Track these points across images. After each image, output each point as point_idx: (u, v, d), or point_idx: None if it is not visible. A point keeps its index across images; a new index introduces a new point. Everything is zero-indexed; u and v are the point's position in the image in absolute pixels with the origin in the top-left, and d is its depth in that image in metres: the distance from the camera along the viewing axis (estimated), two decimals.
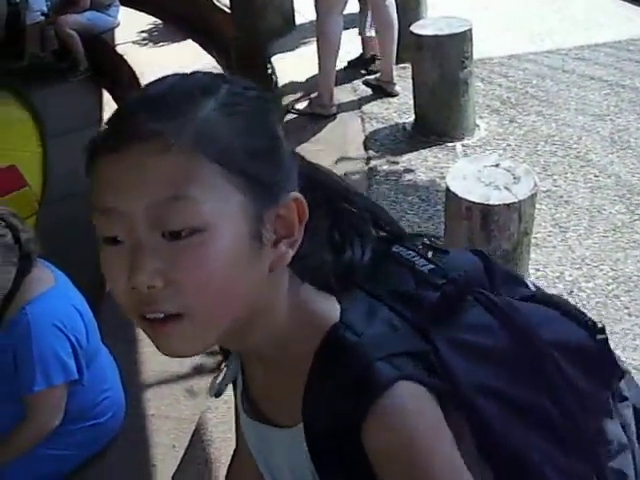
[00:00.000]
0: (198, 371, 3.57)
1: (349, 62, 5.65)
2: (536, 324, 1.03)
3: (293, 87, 5.61)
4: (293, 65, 5.89)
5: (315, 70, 5.19)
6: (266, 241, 0.88)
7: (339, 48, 5.05)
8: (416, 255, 1.02)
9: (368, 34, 5.48)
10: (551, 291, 3.43)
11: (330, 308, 0.96)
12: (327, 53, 5.03)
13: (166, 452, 3.19)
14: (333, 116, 5.15)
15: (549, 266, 3.63)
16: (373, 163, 4.61)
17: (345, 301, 0.97)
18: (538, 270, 3.59)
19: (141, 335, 4.03)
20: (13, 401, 2.90)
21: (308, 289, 0.97)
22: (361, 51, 5.64)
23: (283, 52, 6.17)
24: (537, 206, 3.26)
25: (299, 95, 5.43)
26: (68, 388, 2.91)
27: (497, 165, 3.17)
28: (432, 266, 1.00)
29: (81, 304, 2.98)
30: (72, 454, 3.04)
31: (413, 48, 4.69)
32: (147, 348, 3.63)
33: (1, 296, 2.82)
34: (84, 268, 3.41)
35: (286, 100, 5.43)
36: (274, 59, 6.10)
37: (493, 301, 1.01)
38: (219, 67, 7.04)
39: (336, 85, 5.21)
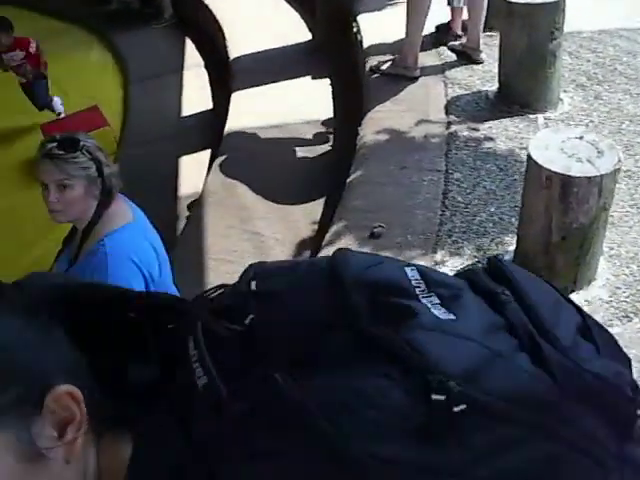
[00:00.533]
0: None
1: (437, 27, 5.57)
2: None
3: (378, 47, 5.57)
4: (379, 25, 5.84)
5: (401, 31, 5.14)
6: (47, 444, 0.75)
7: (428, 12, 5.00)
8: (197, 360, 0.77)
9: (456, 5, 5.39)
10: (623, 271, 3.40)
11: (118, 461, 0.80)
12: (416, 17, 4.98)
13: None
14: (416, 79, 5.12)
15: (623, 246, 3.58)
16: (453, 128, 4.58)
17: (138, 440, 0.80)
18: (612, 249, 3.54)
19: (211, 280, 4.10)
20: None
21: (103, 446, 0.82)
22: (450, 18, 5.56)
23: (370, 12, 6.11)
24: (617, 185, 3.21)
25: (383, 56, 5.39)
26: None
27: (581, 137, 3.13)
28: (206, 380, 0.75)
29: (158, 243, 3.03)
30: None
31: (503, 15, 4.62)
32: None
33: (81, 227, 2.89)
34: (158, 211, 3.45)
35: (372, 60, 5.42)
36: (360, 18, 6.06)
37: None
38: (303, 22, 7.04)
39: (421, 49, 5.17)
